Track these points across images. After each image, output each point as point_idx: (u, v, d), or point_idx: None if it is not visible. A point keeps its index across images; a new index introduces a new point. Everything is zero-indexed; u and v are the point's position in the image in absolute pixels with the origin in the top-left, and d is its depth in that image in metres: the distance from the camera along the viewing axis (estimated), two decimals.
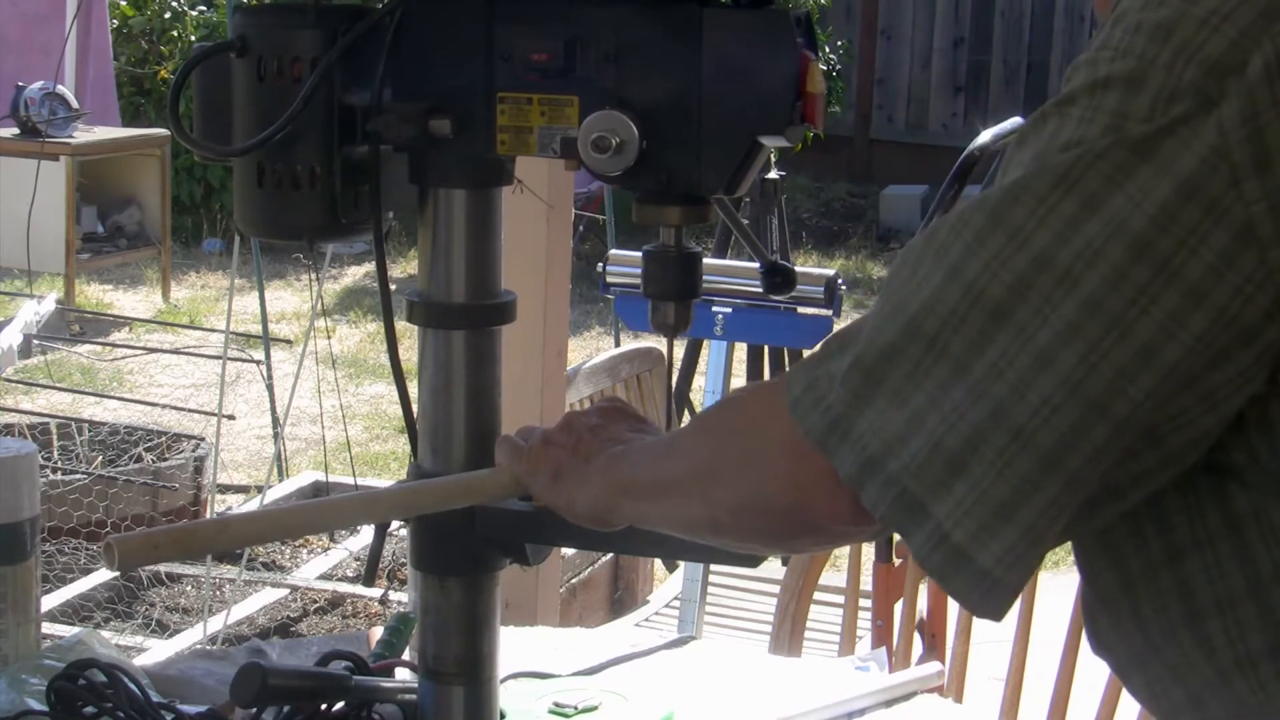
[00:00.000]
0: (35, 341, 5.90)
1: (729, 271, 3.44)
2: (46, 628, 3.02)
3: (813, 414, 1.04)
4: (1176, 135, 0.94)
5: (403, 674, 1.62)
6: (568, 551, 3.73)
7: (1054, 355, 0.95)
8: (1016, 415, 0.96)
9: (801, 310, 3.36)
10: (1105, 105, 0.97)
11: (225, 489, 5.65)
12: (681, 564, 3.84)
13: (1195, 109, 0.94)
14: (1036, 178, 0.98)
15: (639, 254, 1.41)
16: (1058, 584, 2.85)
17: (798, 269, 1.62)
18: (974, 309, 0.98)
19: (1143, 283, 0.94)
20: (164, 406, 6.00)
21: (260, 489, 4.83)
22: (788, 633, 2.45)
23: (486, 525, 1.40)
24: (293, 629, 4.32)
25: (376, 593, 4.41)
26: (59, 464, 4.98)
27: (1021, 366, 0.96)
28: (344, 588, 4.50)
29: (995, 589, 0.99)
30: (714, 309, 3.39)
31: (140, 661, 1.89)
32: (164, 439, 5.26)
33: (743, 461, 1.13)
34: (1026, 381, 0.96)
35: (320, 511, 1.51)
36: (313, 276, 7.30)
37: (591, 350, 7.34)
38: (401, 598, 4.30)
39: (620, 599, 4.10)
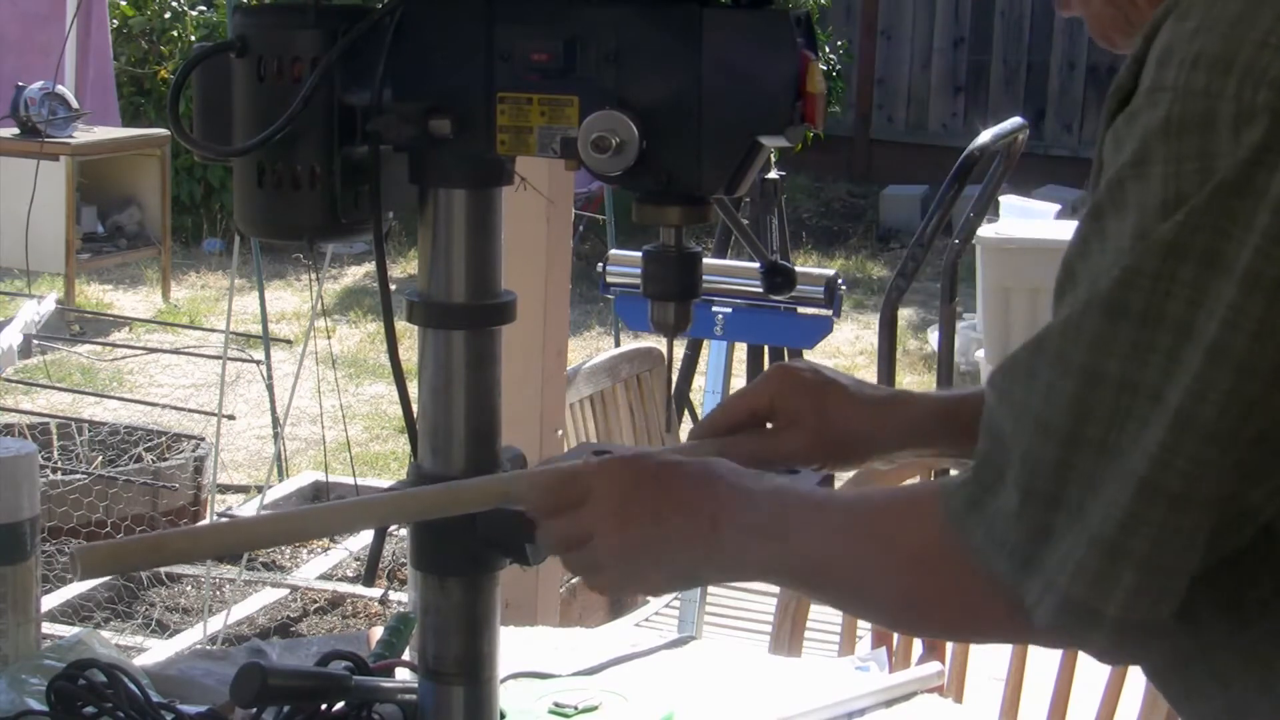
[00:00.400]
0: (35, 341, 5.90)
1: (729, 271, 3.44)
2: (46, 628, 3.02)
3: (999, 558, 1.05)
4: (1264, 164, 0.95)
5: (403, 674, 1.62)
6: None
7: (1194, 414, 0.96)
8: (1170, 482, 0.97)
9: (801, 310, 3.36)
10: (1187, 152, 0.97)
11: (225, 489, 5.65)
12: None
13: (1274, 128, 0.95)
14: (1146, 257, 0.98)
15: (639, 254, 1.40)
16: None
17: (798, 269, 1.62)
18: (1134, 399, 0.98)
19: (1259, 315, 0.95)
20: (164, 406, 6.00)
21: (260, 489, 4.83)
22: (788, 633, 2.45)
23: (486, 525, 1.40)
24: (293, 629, 4.32)
25: (376, 593, 4.41)
26: (59, 464, 4.98)
27: (1196, 442, 0.97)
28: (344, 588, 4.50)
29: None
30: (714, 309, 3.39)
31: (140, 661, 1.89)
32: (164, 439, 5.26)
33: (911, 593, 1.14)
34: (1198, 455, 0.97)
35: (303, 519, 1.50)
36: (313, 276, 7.30)
37: (591, 350, 7.34)
38: (401, 598, 4.30)
39: (620, 599, 4.10)
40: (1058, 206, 8.64)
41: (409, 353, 1.44)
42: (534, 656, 1.80)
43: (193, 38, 9.89)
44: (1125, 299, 0.98)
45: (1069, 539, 1.01)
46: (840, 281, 3.24)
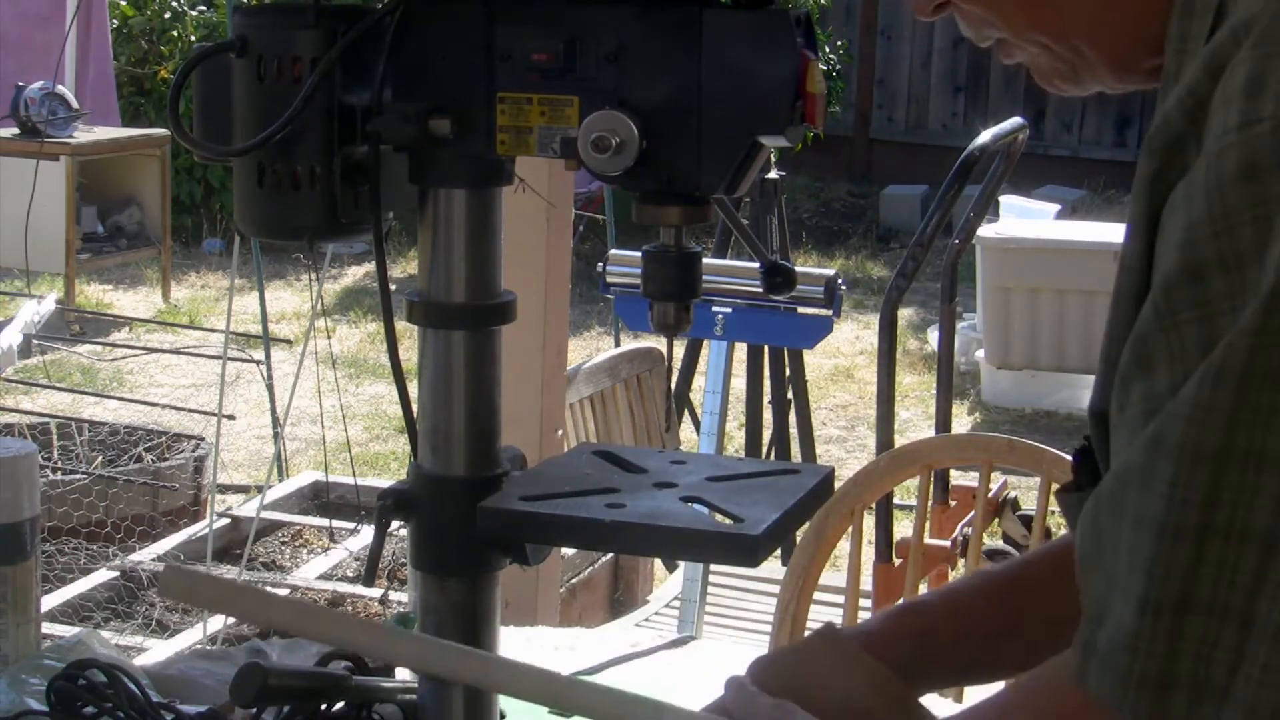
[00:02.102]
0: (35, 341, 5.91)
1: (729, 271, 3.44)
2: (46, 628, 3.01)
3: (1128, 692, 0.99)
4: None
5: (403, 674, 1.62)
6: (568, 551, 3.73)
7: None
8: None
9: (801, 310, 3.36)
10: None
11: (225, 489, 5.65)
12: (681, 564, 3.84)
13: None
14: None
15: (639, 254, 1.40)
16: None
17: (798, 269, 1.62)
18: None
19: None
20: (164, 406, 6.00)
21: (260, 489, 4.83)
22: (787, 633, 2.45)
23: (486, 525, 1.40)
24: None
25: (376, 593, 4.41)
26: (59, 464, 4.98)
27: None
28: (344, 588, 4.50)
29: None
30: (714, 309, 3.39)
31: (140, 661, 1.90)
32: (164, 439, 5.26)
33: None
34: None
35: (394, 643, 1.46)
36: (313, 276, 7.30)
37: (591, 350, 7.34)
38: (401, 598, 4.30)
39: (620, 599, 4.10)
40: (1057, 206, 8.66)
41: (409, 353, 1.44)
42: (534, 656, 1.80)
43: (193, 38, 9.90)
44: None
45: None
46: (840, 281, 3.24)
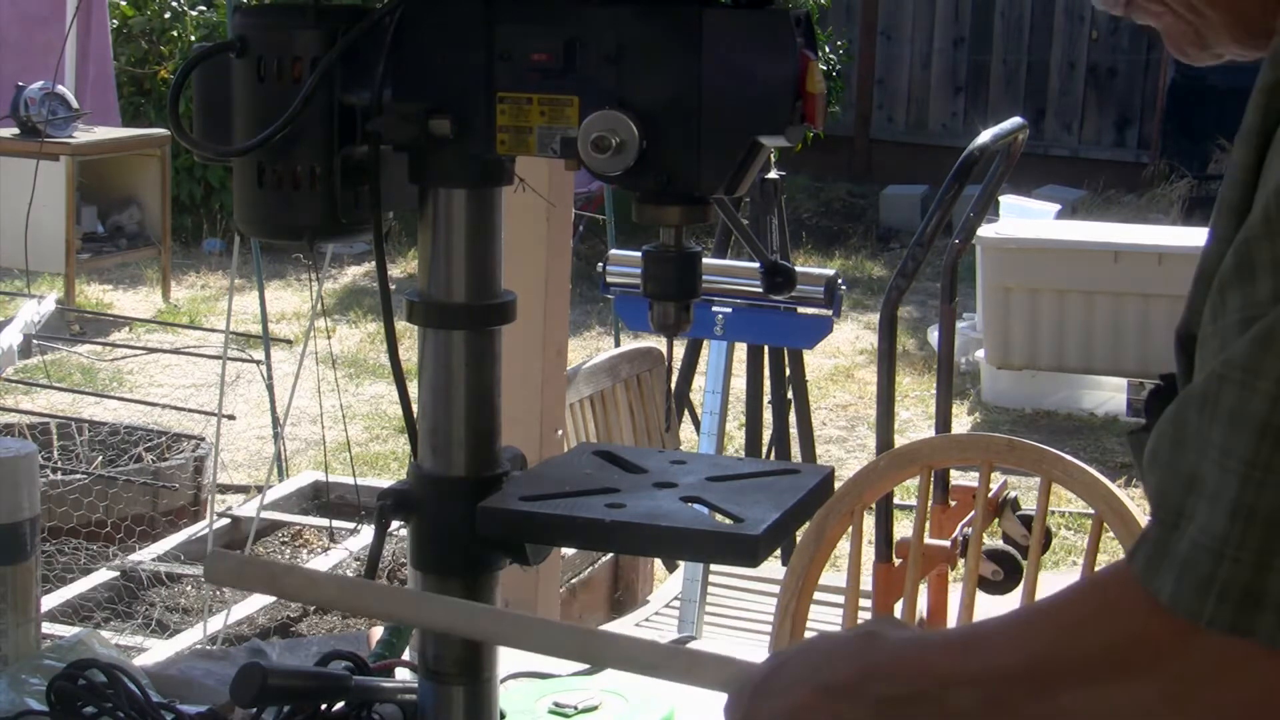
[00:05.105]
0: (35, 341, 5.90)
1: (729, 271, 3.45)
2: (46, 628, 3.02)
3: (1207, 601, 0.94)
4: None
5: (403, 674, 1.62)
6: (568, 551, 3.73)
7: None
8: None
9: (801, 310, 3.37)
10: None
11: (225, 489, 5.65)
12: (681, 564, 3.84)
13: None
14: None
15: (639, 254, 1.40)
16: (1059, 584, 2.83)
17: (798, 269, 1.62)
18: None
19: None
20: (164, 406, 6.00)
21: (260, 489, 4.83)
22: (788, 633, 2.45)
23: (486, 525, 1.40)
24: (293, 629, 4.32)
25: None
26: (59, 464, 4.98)
27: None
28: None
29: None
30: (714, 309, 3.39)
31: (140, 661, 1.90)
32: (164, 439, 5.26)
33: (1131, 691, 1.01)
34: None
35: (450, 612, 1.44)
36: (313, 276, 7.30)
37: (591, 350, 7.34)
38: None
39: (620, 599, 4.10)
40: (1057, 206, 8.65)
41: (409, 353, 1.44)
42: (534, 656, 1.80)
43: (193, 38, 9.90)
44: None
45: None
46: (840, 281, 3.25)
